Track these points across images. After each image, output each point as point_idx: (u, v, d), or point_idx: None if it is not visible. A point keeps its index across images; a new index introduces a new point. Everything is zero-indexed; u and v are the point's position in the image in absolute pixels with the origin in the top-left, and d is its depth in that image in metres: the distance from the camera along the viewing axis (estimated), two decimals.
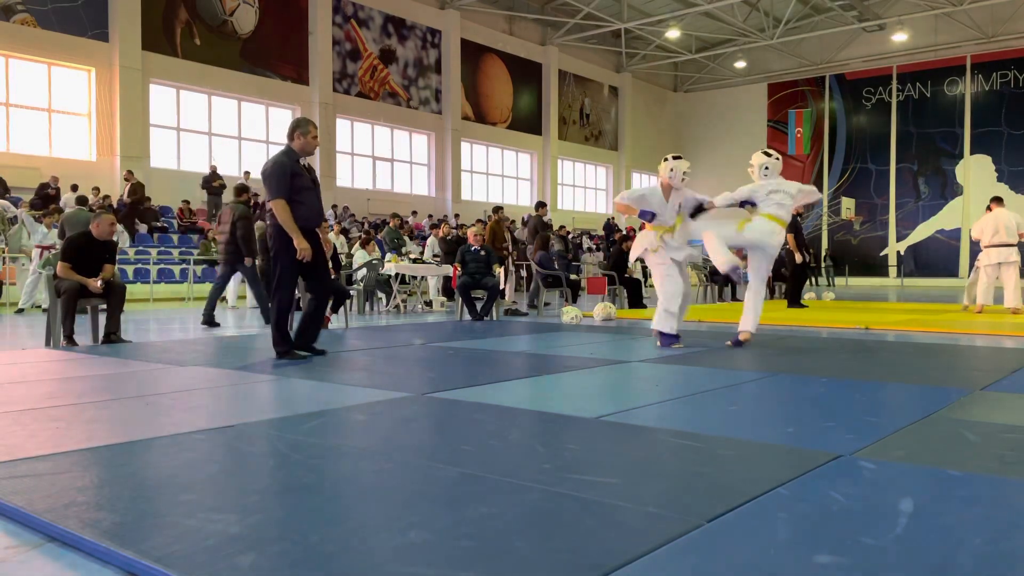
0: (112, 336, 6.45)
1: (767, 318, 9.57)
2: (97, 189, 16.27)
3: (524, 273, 14.55)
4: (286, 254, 5.15)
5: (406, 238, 15.73)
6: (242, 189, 9.25)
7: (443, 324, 8.96)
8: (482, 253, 9.76)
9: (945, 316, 10.04)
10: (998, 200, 10.97)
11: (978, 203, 29.25)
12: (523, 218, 25.44)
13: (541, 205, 13.09)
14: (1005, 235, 10.53)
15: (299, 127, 5.25)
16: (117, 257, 7.10)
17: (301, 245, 5.09)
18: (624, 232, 18.64)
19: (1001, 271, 10.54)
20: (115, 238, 10.41)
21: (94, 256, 6.61)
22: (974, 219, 10.87)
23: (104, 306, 6.63)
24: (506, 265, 12.14)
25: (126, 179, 16.63)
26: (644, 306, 12.63)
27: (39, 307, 11.52)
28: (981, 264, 10.72)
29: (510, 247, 12.68)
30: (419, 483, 2.27)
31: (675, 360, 5.26)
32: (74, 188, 15.36)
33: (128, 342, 6.48)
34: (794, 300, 12.07)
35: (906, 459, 2.55)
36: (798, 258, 11.94)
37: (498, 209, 12.97)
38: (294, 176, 5.14)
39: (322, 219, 5.47)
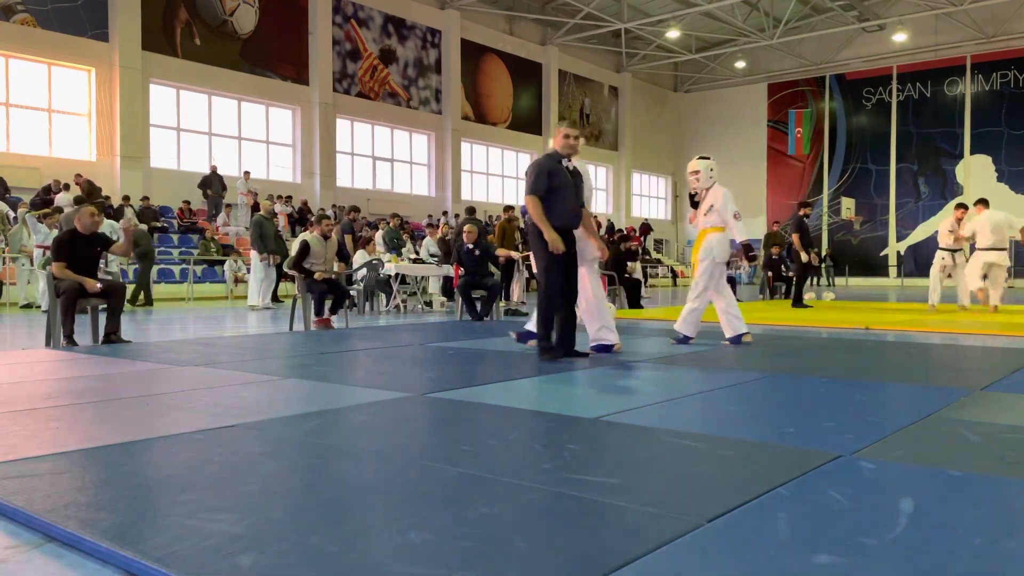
0: (112, 336, 6.43)
1: (768, 318, 9.56)
2: (100, 189, 16.25)
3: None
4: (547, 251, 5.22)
5: (406, 238, 15.71)
6: (509, 207, 11.43)
7: (443, 324, 8.96)
8: (476, 252, 9.73)
9: (945, 316, 10.05)
10: (985, 202, 11.09)
11: None
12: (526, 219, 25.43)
13: None
14: (1001, 238, 10.67)
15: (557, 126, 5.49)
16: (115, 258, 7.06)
17: (551, 236, 5.15)
18: (624, 232, 18.64)
19: (991, 271, 10.63)
20: (114, 235, 10.36)
21: (86, 252, 6.55)
22: (974, 220, 11.03)
23: (104, 306, 6.62)
24: (516, 264, 12.12)
25: (76, 182, 16.20)
26: (641, 307, 12.62)
27: (38, 307, 11.53)
28: (976, 262, 10.78)
29: (521, 247, 12.63)
30: (419, 483, 2.27)
31: (675, 360, 5.27)
32: (66, 187, 15.30)
33: (128, 342, 6.47)
34: (798, 300, 12.07)
35: (906, 459, 2.55)
36: (804, 258, 11.94)
37: (508, 208, 12.94)
38: (551, 175, 5.24)
39: (578, 220, 5.43)
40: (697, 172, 6.42)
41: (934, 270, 11.52)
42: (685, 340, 6.39)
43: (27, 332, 8.06)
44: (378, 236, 13.76)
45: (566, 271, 5.29)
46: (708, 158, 6.53)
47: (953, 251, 11.41)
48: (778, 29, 29.38)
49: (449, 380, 4.31)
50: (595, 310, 5.75)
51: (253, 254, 12.29)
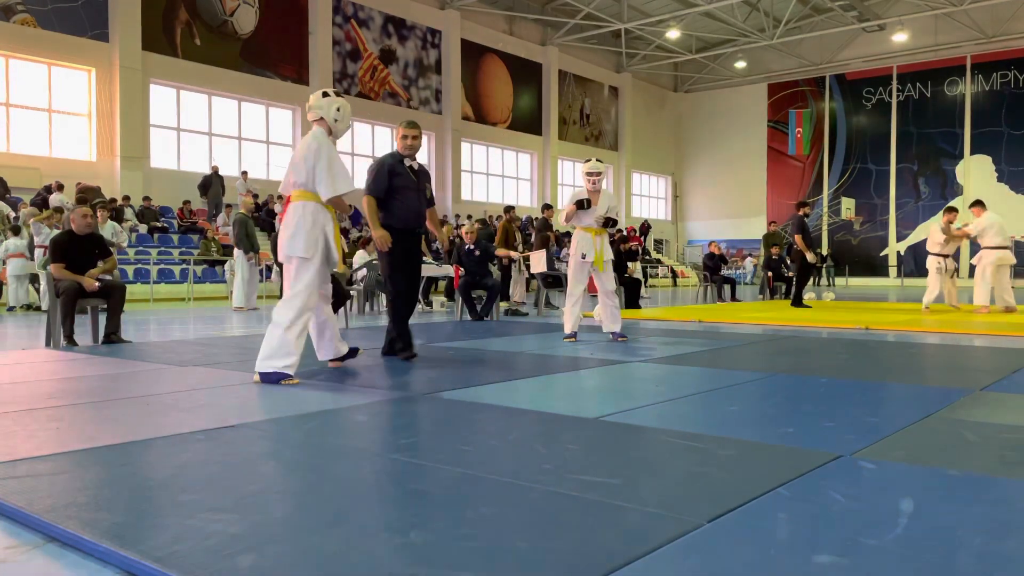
0: (112, 336, 6.44)
1: (768, 318, 9.57)
2: (98, 188, 16.25)
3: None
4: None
5: None
6: (547, 207, 11.72)
7: (443, 324, 8.96)
8: (476, 253, 9.73)
9: (945, 316, 10.05)
10: (982, 204, 11.14)
11: None
12: (523, 219, 25.47)
13: (547, 207, 13.09)
14: (1005, 238, 10.70)
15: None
16: (117, 257, 7.07)
17: (378, 234, 5.12)
18: (623, 233, 18.66)
19: (1000, 272, 10.64)
20: (114, 237, 10.30)
21: (82, 252, 6.59)
22: (973, 220, 11.02)
23: (104, 306, 6.63)
24: (517, 264, 12.13)
25: (77, 186, 16.06)
26: (640, 307, 12.62)
27: (39, 307, 11.53)
28: (984, 264, 10.76)
29: (521, 247, 12.66)
30: (419, 483, 2.27)
31: (675, 360, 5.27)
32: (60, 188, 15.25)
33: (128, 342, 6.48)
34: (797, 300, 12.04)
35: (906, 459, 2.55)
36: (810, 257, 11.91)
37: (509, 209, 12.96)
38: (392, 175, 5.20)
39: (421, 219, 5.44)
40: (600, 174, 6.63)
41: (931, 275, 11.51)
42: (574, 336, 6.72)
43: (27, 332, 8.07)
44: None
45: (410, 272, 5.40)
46: (601, 161, 6.80)
47: (945, 256, 11.39)
48: (778, 29, 29.38)
49: (449, 380, 4.31)
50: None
51: (238, 253, 12.17)
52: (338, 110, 4.49)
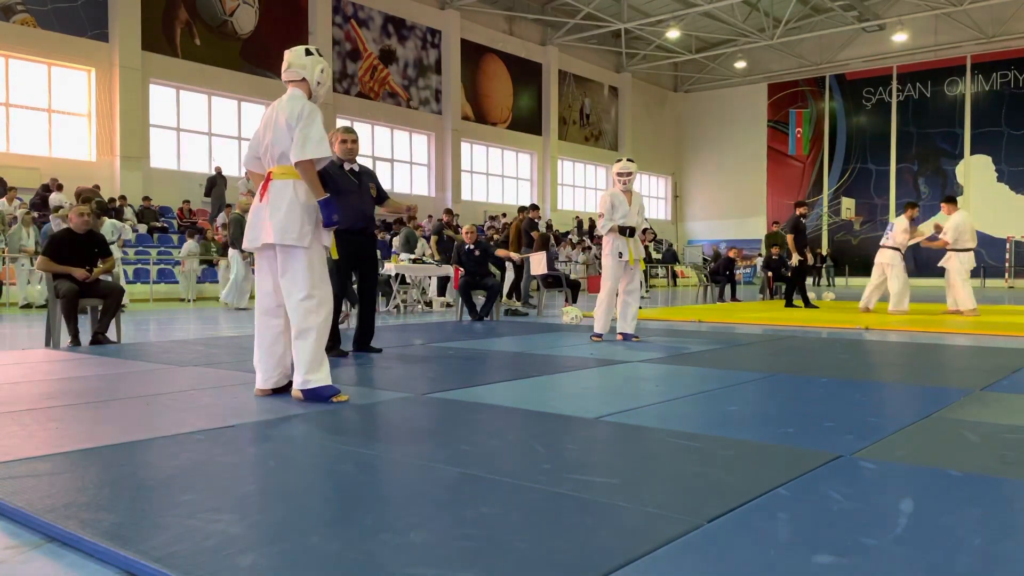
0: (99, 336, 6.47)
1: (768, 318, 9.56)
2: (97, 186, 16.24)
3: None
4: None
5: (421, 239, 15.70)
6: (533, 207, 12.50)
7: (443, 324, 8.96)
8: (476, 253, 9.73)
9: (945, 316, 10.04)
10: (954, 201, 10.69)
11: (979, 203, 29.27)
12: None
13: (533, 208, 13.15)
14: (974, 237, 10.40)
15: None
16: (120, 256, 7.09)
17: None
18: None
19: (965, 275, 10.17)
20: (114, 235, 10.29)
21: (80, 250, 6.62)
22: (975, 220, 10.37)
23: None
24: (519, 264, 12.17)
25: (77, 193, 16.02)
26: (639, 306, 12.63)
27: (41, 307, 11.52)
28: (962, 267, 10.16)
29: (523, 248, 12.73)
30: (419, 483, 2.27)
31: (675, 360, 5.27)
32: (59, 187, 15.22)
33: (114, 342, 6.48)
34: (789, 300, 12.05)
35: (906, 459, 2.55)
36: (795, 259, 11.90)
37: (523, 209, 13.07)
38: (331, 180, 5.21)
39: (365, 219, 5.59)
40: (631, 174, 6.68)
41: (899, 272, 10.51)
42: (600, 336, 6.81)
43: (27, 332, 8.06)
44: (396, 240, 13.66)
45: (347, 273, 5.75)
46: (632, 160, 6.85)
47: (902, 252, 10.60)
48: (778, 29, 29.37)
49: (449, 380, 4.31)
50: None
51: (233, 253, 12.14)
52: (322, 71, 3.90)
